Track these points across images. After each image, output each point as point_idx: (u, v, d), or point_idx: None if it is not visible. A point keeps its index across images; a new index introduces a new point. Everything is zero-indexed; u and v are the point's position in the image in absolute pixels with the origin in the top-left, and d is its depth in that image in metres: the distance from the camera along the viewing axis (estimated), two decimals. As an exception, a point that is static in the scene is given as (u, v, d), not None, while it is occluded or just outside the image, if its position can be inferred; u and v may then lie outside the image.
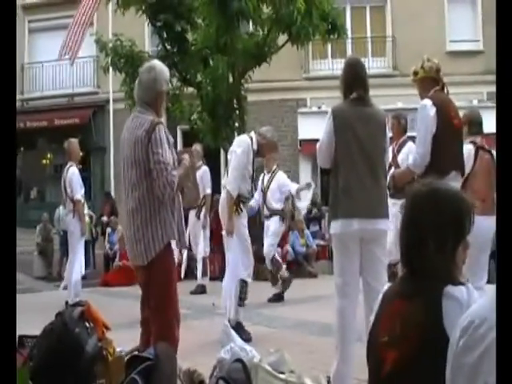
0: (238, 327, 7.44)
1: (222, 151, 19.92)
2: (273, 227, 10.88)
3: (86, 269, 13.51)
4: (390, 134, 6.06)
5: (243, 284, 7.72)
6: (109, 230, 17.37)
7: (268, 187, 10.92)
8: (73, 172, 10.37)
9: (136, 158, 4.94)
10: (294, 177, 19.90)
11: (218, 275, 13.01)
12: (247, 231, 7.88)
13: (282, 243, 13.34)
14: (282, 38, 16.30)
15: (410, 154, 6.68)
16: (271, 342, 7.28)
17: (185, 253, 12.35)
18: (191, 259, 13.28)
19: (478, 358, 2.03)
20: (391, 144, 7.58)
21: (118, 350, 4.61)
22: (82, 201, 10.44)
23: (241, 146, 7.69)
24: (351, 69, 5.38)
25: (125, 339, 5.15)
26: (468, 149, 6.33)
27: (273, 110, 23.00)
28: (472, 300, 2.39)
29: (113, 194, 21.56)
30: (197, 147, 12.54)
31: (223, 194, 7.84)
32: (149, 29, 21.01)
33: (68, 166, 10.50)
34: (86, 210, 11.26)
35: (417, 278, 2.59)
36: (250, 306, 7.99)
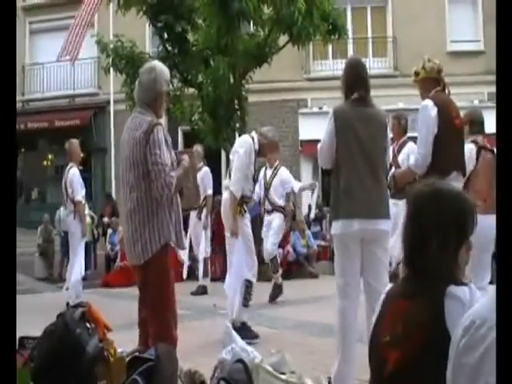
0: (244, 327, 7.46)
1: (222, 152, 19.92)
2: (276, 223, 10.82)
3: (87, 270, 13.53)
4: (390, 135, 6.05)
5: (248, 284, 7.72)
6: (110, 230, 17.37)
7: (271, 183, 10.89)
8: (73, 173, 10.36)
9: (134, 158, 4.95)
10: (295, 177, 19.87)
11: (219, 276, 13.01)
12: (251, 231, 7.88)
13: (283, 244, 13.33)
14: (283, 39, 16.31)
15: (411, 155, 6.68)
16: (272, 342, 7.27)
17: (186, 254, 12.35)
18: (193, 260, 13.27)
19: (479, 358, 2.03)
20: (391, 144, 7.57)
21: (119, 350, 4.60)
22: (83, 202, 10.44)
23: (243, 146, 7.67)
24: (352, 69, 5.38)
25: (126, 340, 5.14)
26: (470, 148, 6.31)
27: (274, 110, 23.01)
28: (474, 300, 2.39)
29: (114, 194, 21.55)
30: (198, 148, 12.52)
31: (226, 195, 7.81)
32: (150, 30, 21.04)
33: (69, 167, 10.50)
34: (86, 211, 11.25)
35: (419, 278, 2.59)
36: (251, 306, 7.98)
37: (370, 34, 24.46)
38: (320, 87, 22.32)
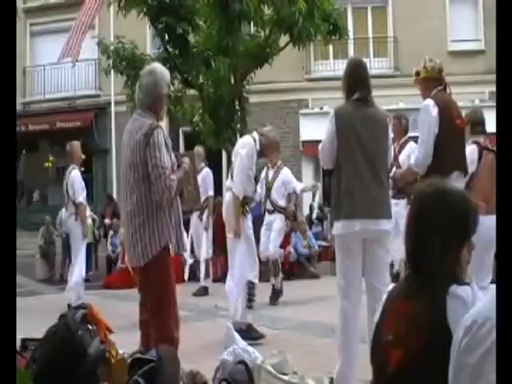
0: (249, 329, 7.46)
1: (223, 153, 19.93)
2: (277, 226, 10.80)
3: (88, 271, 13.52)
4: (391, 135, 6.05)
5: (251, 286, 7.71)
6: (111, 232, 17.38)
7: (272, 183, 10.86)
8: (75, 175, 10.36)
9: (134, 161, 4.96)
10: (296, 178, 19.87)
11: (220, 277, 12.99)
12: (252, 232, 7.88)
13: (284, 244, 13.31)
14: (284, 39, 16.30)
15: (412, 154, 6.67)
16: (274, 343, 7.26)
17: (187, 255, 12.36)
18: (194, 261, 13.26)
19: (481, 357, 2.03)
20: (392, 144, 7.58)
21: (120, 352, 4.61)
22: (84, 203, 10.43)
23: (245, 147, 7.65)
24: (354, 69, 5.38)
25: (127, 341, 5.14)
26: (471, 149, 6.30)
27: (275, 111, 23.02)
28: (476, 300, 2.39)
29: (115, 196, 21.55)
30: (198, 149, 12.52)
31: (228, 197, 7.78)
32: (150, 31, 21.01)
33: (70, 168, 10.50)
34: (88, 213, 11.25)
35: (422, 277, 2.59)
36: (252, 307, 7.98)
37: (370, 34, 24.46)
38: (321, 87, 22.32)
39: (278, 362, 4.77)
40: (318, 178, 23.16)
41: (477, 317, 2.10)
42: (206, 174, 12.13)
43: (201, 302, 11.01)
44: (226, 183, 8.06)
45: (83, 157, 10.92)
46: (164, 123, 6.75)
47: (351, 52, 22.73)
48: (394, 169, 7.28)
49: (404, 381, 2.47)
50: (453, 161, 5.70)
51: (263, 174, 10.78)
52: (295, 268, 15.11)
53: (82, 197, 10.30)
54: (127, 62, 16.38)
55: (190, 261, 13.12)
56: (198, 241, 12.34)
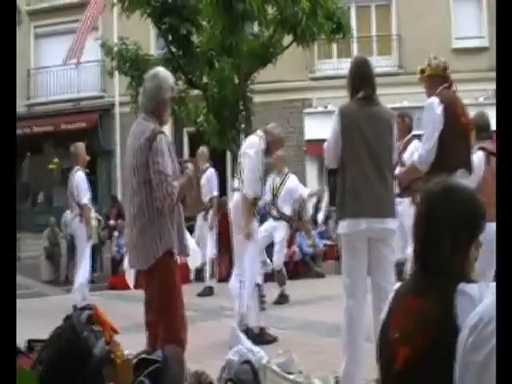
0: (262, 332, 7.46)
1: (228, 153, 19.92)
2: (280, 235, 10.71)
3: (93, 272, 13.53)
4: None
5: (260, 287, 7.70)
6: (116, 233, 17.38)
7: (279, 191, 10.79)
8: (79, 176, 10.37)
9: (136, 165, 4.96)
10: (301, 177, 19.88)
11: (225, 277, 12.99)
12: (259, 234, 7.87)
13: (288, 244, 13.30)
14: (287, 39, 16.30)
15: (416, 152, 6.65)
16: (279, 343, 7.28)
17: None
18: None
19: (487, 355, 2.03)
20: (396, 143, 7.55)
21: (125, 352, 4.60)
22: (89, 205, 10.44)
23: (252, 147, 7.60)
24: (358, 68, 5.37)
25: (133, 342, 5.13)
26: (478, 156, 6.23)
27: (279, 110, 23.00)
28: (484, 298, 2.38)
29: (119, 197, 21.57)
30: (203, 149, 12.54)
31: (236, 197, 7.76)
32: (154, 32, 21.05)
33: (75, 170, 10.50)
34: (93, 214, 11.25)
35: (430, 275, 2.59)
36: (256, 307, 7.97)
37: (374, 33, 24.43)
38: (325, 86, 22.31)
39: (284, 361, 4.77)
40: (322, 177, 23.17)
41: (483, 315, 2.10)
42: (210, 175, 12.14)
43: (206, 302, 11.02)
44: (234, 184, 8.01)
45: (88, 158, 10.92)
46: (168, 124, 6.74)
47: (355, 50, 22.69)
48: (398, 167, 7.26)
49: (411, 378, 2.46)
50: (457, 158, 5.67)
51: (270, 181, 10.67)
52: (300, 267, 15.10)
53: (86, 198, 10.30)
54: (131, 63, 16.42)
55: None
56: (203, 241, 12.34)
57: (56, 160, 27.20)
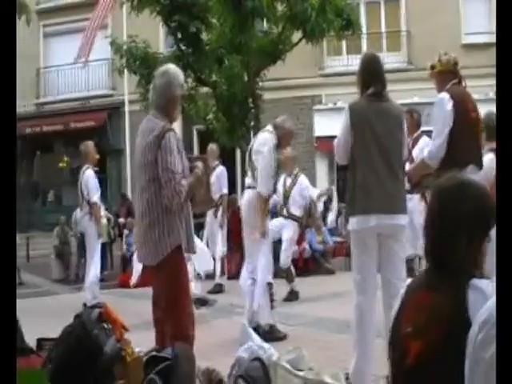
0: (272, 330, 7.44)
1: (237, 150, 19.92)
2: (288, 234, 10.67)
3: (103, 270, 13.55)
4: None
5: (271, 286, 7.70)
6: (126, 231, 17.41)
7: (290, 192, 10.77)
8: (89, 174, 10.38)
9: (145, 162, 4.96)
10: (310, 174, 19.87)
11: (235, 274, 12.99)
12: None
13: (298, 240, 13.27)
14: (297, 36, 16.28)
15: (426, 147, 6.62)
16: (289, 339, 7.28)
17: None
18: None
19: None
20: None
21: (136, 350, 4.61)
22: (99, 203, 10.45)
23: (266, 144, 7.54)
24: (368, 64, 5.36)
25: (143, 340, 5.15)
26: (489, 158, 6.16)
27: (288, 107, 22.93)
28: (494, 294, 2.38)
29: (129, 195, 21.62)
30: (212, 147, 12.52)
31: (248, 195, 7.70)
32: (163, 30, 21.06)
33: (84, 168, 10.51)
34: (103, 212, 11.27)
35: (444, 270, 2.59)
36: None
37: (383, 29, 24.36)
38: (334, 83, 22.26)
39: (294, 358, 4.76)
40: (333, 173, 23.16)
41: (493, 311, 2.09)
42: (220, 172, 12.13)
43: (216, 300, 11.00)
44: (246, 181, 7.95)
45: (97, 157, 10.94)
46: (177, 122, 6.74)
47: (364, 47, 22.63)
48: (408, 163, 7.23)
49: (423, 373, 2.47)
50: (468, 154, 5.64)
51: (281, 181, 10.64)
52: (310, 264, 15.08)
53: (96, 196, 10.31)
54: (140, 62, 16.42)
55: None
56: (213, 238, 12.34)
57: (66, 159, 27.33)
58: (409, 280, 2.93)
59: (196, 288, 9.70)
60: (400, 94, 16.23)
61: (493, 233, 2.61)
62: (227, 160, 15.46)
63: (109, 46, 17.62)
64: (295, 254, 12.59)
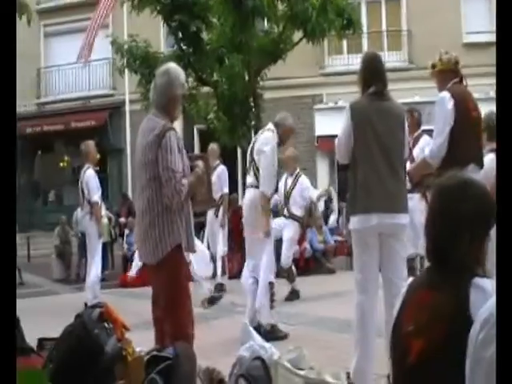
0: (273, 329, 7.44)
1: (238, 150, 19.92)
2: (289, 233, 10.70)
3: (104, 270, 13.56)
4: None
5: (272, 286, 7.69)
6: (126, 231, 17.40)
7: (290, 192, 10.78)
8: (90, 174, 10.38)
9: (146, 161, 4.96)
10: (312, 173, 19.87)
11: (236, 274, 12.99)
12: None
13: (299, 240, 13.27)
14: (297, 35, 16.27)
15: (427, 146, 6.61)
16: (290, 339, 7.28)
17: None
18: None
19: None
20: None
21: (137, 350, 4.61)
22: (99, 202, 10.45)
23: (268, 144, 7.53)
24: (369, 63, 5.36)
25: (144, 339, 5.14)
26: (490, 159, 6.14)
27: (289, 106, 22.86)
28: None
29: (130, 195, 21.63)
30: (213, 146, 12.52)
31: (251, 194, 7.68)
32: (164, 29, 21.05)
33: (85, 168, 10.52)
34: (104, 212, 11.27)
35: (445, 268, 2.59)
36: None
37: (384, 28, 24.35)
38: (335, 82, 22.28)
39: (295, 357, 4.76)
40: (333, 173, 23.16)
41: (493, 310, 2.09)
42: (221, 172, 12.12)
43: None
44: (247, 180, 7.91)
45: (98, 156, 10.94)
46: (178, 121, 6.73)
47: (365, 46, 22.64)
48: (408, 163, 7.22)
49: (424, 371, 2.47)
50: (469, 153, 5.63)
51: (282, 181, 10.64)
52: (311, 263, 15.09)
53: (96, 196, 10.31)
54: (141, 61, 16.42)
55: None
56: (214, 238, 12.34)
57: (66, 158, 27.35)
58: (410, 279, 2.92)
59: (205, 287, 9.76)
60: (401, 93, 16.20)
61: (492, 232, 2.61)
62: (228, 159, 15.45)
63: (109, 46, 17.61)
64: (296, 254, 12.59)
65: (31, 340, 4.83)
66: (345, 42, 21.69)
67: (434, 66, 6.01)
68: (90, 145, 10.76)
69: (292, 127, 8.12)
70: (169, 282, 4.96)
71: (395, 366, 2.68)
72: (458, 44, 20.49)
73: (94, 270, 10.36)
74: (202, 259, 9.75)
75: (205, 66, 16.32)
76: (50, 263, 17.89)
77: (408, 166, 6.46)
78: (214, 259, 12.52)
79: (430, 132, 6.52)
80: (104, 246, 12.85)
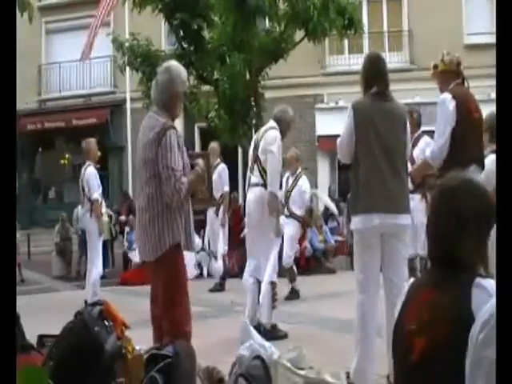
0: (274, 329, 7.44)
1: (239, 148, 19.91)
2: (289, 232, 10.72)
3: (105, 268, 13.55)
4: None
5: (274, 285, 7.69)
6: (127, 228, 17.40)
7: (291, 192, 10.80)
8: (90, 172, 10.36)
9: (146, 158, 4.97)
10: (312, 173, 19.87)
11: (236, 273, 13.00)
12: None
13: (300, 240, 13.29)
14: (299, 34, 16.27)
15: (428, 147, 6.61)
16: (290, 338, 7.28)
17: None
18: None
19: None
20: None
21: (137, 348, 4.61)
22: (100, 200, 10.44)
23: (274, 143, 7.46)
24: (372, 64, 5.36)
25: (144, 337, 5.14)
26: (491, 160, 6.12)
27: (290, 106, 22.67)
28: (497, 293, 2.39)
29: (131, 192, 21.62)
30: (214, 145, 12.52)
31: (257, 193, 7.57)
32: (165, 27, 21.05)
33: (86, 165, 10.51)
34: (104, 210, 11.26)
35: (447, 268, 2.60)
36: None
37: (385, 28, 24.32)
38: (336, 82, 22.27)
39: (295, 356, 4.76)
40: (334, 172, 23.14)
41: (494, 311, 2.09)
42: (221, 170, 12.13)
43: (217, 298, 11.02)
44: (252, 179, 7.79)
45: (99, 154, 10.93)
46: (179, 119, 6.73)
47: (366, 46, 22.62)
48: (409, 163, 7.22)
49: (427, 369, 2.47)
50: (470, 154, 5.63)
51: (284, 180, 10.63)
52: (311, 263, 15.12)
53: (97, 193, 10.30)
54: (142, 59, 16.44)
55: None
56: (214, 237, 12.34)
57: (67, 156, 27.33)
58: (411, 280, 2.93)
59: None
60: (402, 94, 16.16)
61: (492, 232, 2.62)
62: (229, 158, 15.45)
63: (111, 44, 17.63)
64: (297, 253, 12.60)
65: (31, 337, 4.84)
66: (346, 42, 21.66)
67: (435, 67, 6.00)
68: (90, 142, 10.75)
69: (292, 119, 8.13)
70: (167, 280, 4.98)
71: (397, 364, 2.68)
72: (459, 45, 20.45)
73: (94, 267, 10.34)
74: (188, 263, 9.77)
75: (206, 64, 16.33)
76: (51, 260, 17.87)
77: (408, 166, 6.47)
78: (215, 257, 12.55)
79: (430, 133, 6.52)
80: (104, 243, 12.84)
